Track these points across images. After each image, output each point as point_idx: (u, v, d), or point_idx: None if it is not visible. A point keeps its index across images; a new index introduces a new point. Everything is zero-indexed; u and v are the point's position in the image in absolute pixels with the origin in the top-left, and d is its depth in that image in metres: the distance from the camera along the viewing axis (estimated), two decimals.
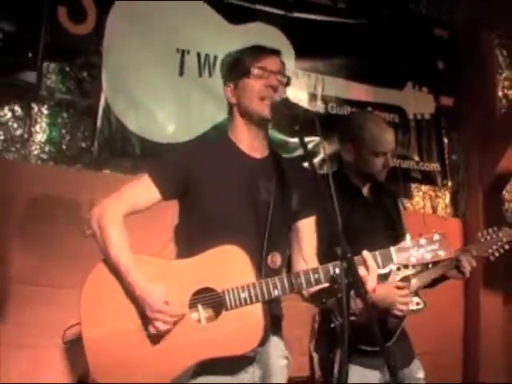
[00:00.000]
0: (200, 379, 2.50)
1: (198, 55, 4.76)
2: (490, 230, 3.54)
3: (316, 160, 5.05)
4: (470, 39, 5.85)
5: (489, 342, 5.45)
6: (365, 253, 2.41)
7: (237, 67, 2.70)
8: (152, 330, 2.45)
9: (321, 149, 5.01)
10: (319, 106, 5.18)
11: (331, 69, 5.31)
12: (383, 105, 5.47)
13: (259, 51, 2.71)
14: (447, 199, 5.81)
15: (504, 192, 5.90)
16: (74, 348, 4.12)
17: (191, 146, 2.87)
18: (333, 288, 2.33)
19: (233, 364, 2.53)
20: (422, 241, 2.51)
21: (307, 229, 2.81)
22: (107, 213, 2.58)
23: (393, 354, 3.15)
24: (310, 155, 2.59)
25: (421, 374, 3.45)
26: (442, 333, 5.18)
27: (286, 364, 2.74)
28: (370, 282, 2.40)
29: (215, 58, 4.79)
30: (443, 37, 5.75)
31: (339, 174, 3.46)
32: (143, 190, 2.62)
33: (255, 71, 2.64)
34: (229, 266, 2.52)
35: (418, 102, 5.59)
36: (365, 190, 3.51)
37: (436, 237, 2.52)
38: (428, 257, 2.52)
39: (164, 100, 4.64)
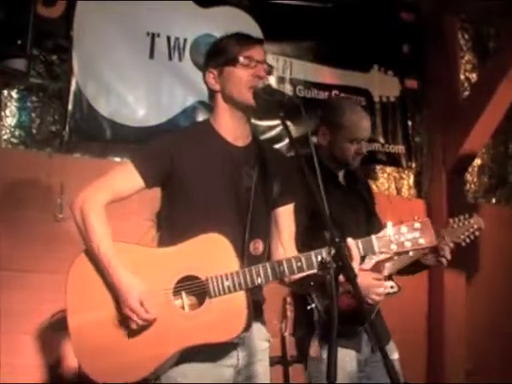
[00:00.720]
0: (183, 366, 2.54)
1: (168, 38, 4.76)
2: (462, 217, 3.53)
3: (283, 144, 5.14)
4: (435, 23, 5.90)
5: (452, 320, 5.58)
6: (349, 240, 2.42)
7: (222, 54, 2.70)
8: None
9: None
10: (287, 89, 5.20)
11: (299, 52, 5.33)
12: (349, 87, 5.51)
13: (245, 40, 2.72)
14: (411, 180, 5.89)
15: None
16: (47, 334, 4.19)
17: (174, 133, 2.90)
18: (319, 274, 2.35)
19: (217, 350, 2.57)
20: (403, 228, 2.49)
21: (286, 216, 2.85)
22: (90, 200, 2.58)
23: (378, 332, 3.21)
24: (293, 142, 2.64)
25: (395, 355, 3.49)
26: (408, 312, 5.28)
27: (267, 346, 2.80)
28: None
29: (185, 41, 4.80)
30: (409, 20, 5.79)
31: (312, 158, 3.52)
32: (126, 177, 2.63)
33: (242, 60, 2.65)
34: (213, 254, 2.55)
35: (384, 85, 5.65)
36: (340, 177, 3.55)
37: (417, 224, 2.50)
38: (408, 245, 2.50)
39: (134, 83, 4.64)
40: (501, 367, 5.71)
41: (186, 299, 2.54)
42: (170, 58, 4.76)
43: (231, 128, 2.74)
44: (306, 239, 2.98)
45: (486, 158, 6.22)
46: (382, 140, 5.63)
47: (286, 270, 2.53)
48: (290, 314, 4.03)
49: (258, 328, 2.73)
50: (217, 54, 2.74)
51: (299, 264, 2.52)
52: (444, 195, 5.72)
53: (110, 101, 4.55)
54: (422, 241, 2.50)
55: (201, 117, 4.81)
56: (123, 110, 4.59)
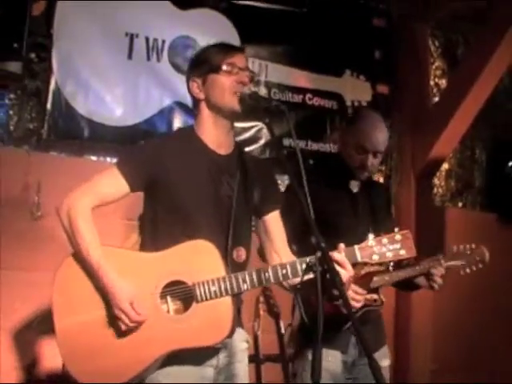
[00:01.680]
0: (167, 368, 2.59)
1: (147, 39, 4.80)
2: (468, 246, 3.46)
3: (257, 145, 5.22)
4: (406, 29, 6.01)
5: (419, 322, 5.73)
6: (340, 246, 2.54)
7: (205, 63, 2.75)
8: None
9: (262, 135, 5.21)
10: (262, 92, 5.26)
11: (274, 55, 5.40)
12: (322, 92, 5.60)
13: (227, 48, 2.78)
14: None
15: None
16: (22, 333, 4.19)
17: (158, 139, 2.99)
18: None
19: (199, 352, 2.62)
20: (384, 240, 2.59)
21: (274, 222, 2.91)
22: (76, 204, 2.61)
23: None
24: (281, 148, 2.71)
25: (386, 362, 3.48)
26: None
27: (246, 347, 2.87)
28: (345, 273, 2.52)
29: (163, 42, 4.85)
30: (381, 26, 5.90)
31: (325, 165, 3.54)
32: (112, 182, 2.67)
33: (225, 67, 2.71)
34: (199, 260, 2.60)
35: (356, 90, 5.74)
36: (352, 184, 3.49)
37: (398, 236, 2.60)
38: (390, 255, 2.59)
39: (113, 83, 4.68)
40: (465, 367, 5.84)
41: (172, 304, 2.59)
42: (148, 58, 4.81)
43: (214, 136, 2.79)
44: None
45: (453, 163, 6.36)
46: None
47: (271, 276, 2.59)
48: (262, 313, 4.10)
49: (237, 329, 2.77)
50: (200, 63, 2.79)
51: (284, 271, 2.58)
52: (412, 198, 5.83)
53: (88, 100, 4.58)
54: (402, 252, 2.60)
55: (177, 117, 4.88)
56: (101, 109, 4.63)
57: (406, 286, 3.64)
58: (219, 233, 2.70)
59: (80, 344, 2.55)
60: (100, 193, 2.67)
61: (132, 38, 4.74)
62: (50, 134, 4.48)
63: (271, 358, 4.14)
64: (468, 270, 3.47)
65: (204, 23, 4.95)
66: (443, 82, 6.36)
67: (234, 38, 4.98)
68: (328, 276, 2.33)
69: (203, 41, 4.76)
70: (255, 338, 4.04)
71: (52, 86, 4.47)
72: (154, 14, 4.82)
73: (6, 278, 4.19)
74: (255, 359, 4.01)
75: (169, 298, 2.58)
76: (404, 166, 5.99)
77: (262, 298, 4.11)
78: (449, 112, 5.57)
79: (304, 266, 2.53)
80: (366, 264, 3.04)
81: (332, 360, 3.35)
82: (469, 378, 5.65)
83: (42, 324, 4.09)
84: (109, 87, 4.66)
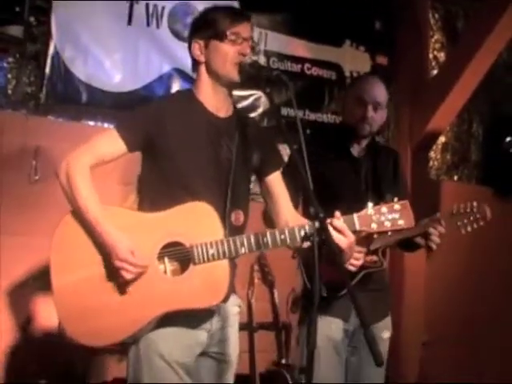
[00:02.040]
0: (162, 329, 2.60)
1: (147, 5, 4.77)
2: (468, 204, 3.38)
3: (256, 114, 5.22)
4: (406, 1, 6.00)
5: (412, 295, 5.77)
6: (336, 214, 2.56)
7: (210, 27, 2.72)
8: (119, 279, 2.54)
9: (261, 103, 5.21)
10: (261, 61, 5.24)
11: (274, 24, 5.39)
12: (321, 61, 5.60)
13: (234, 15, 2.74)
14: None
15: None
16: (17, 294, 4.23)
17: (158, 101, 2.98)
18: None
19: (194, 315, 2.64)
20: (383, 209, 2.60)
21: (276, 182, 2.92)
22: (74, 164, 2.62)
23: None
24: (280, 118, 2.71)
25: (386, 334, 3.52)
26: None
27: (238, 311, 2.88)
28: (344, 239, 2.55)
29: (163, 8, 4.83)
30: None
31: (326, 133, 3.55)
32: (109, 142, 2.67)
33: (230, 36, 2.69)
34: (198, 222, 2.60)
35: (355, 60, 5.74)
36: (354, 148, 3.55)
37: (397, 206, 2.61)
38: (388, 224, 2.60)
39: (112, 49, 4.66)
40: (457, 340, 5.90)
41: (169, 264, 2.60)
42: (148, 24, 4.79)
43: (214, 99, 2.79)
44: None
45: (450, 136, 6.37)
46: None
47: (269, 241, 2.60)
48: (257, 281, 4.14)
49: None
50: (204, 26, 2.76)
51: (282, 237, 2.60)
52: (408, 171, 5.80)
53: (87, 65, 4.57)
54: (401, 222, 2.62)
55: (176, 84, 4.88)
56: (100, 74, 4.62)
57: (406, 246, 3.66)
58: (218, 195, 2.70)
59: (76, 303, 2.55)
60: (98, 152, 2.66)
61: (132, 3, 4.71)
62: (48, 98, 4.47)
63: (264, 325, 4.20)
64: (469, 229, 3.38)
65: None
66: (442, 56, 6.35)
67: (234, 5, 4.94)
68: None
69: (203, 8, 4.85)
70: (249, 306, 4.08)
71: (51, 50, 4.45)
72: None
73: (3, 242, 4.20)
74: (248, 327, 4.05)
75: (166, 259, 2.59)
76: (401, 138, 6.00)
77: (256, 266, 4.15)
78: (447, 85, 5.57)
79: (302, 233, 2.56)
80: (364, 231, 3.06)
81: (334, 328, 3.39)
82: (461, 350, 5.72)
83: (38, 281, 4.13)
84: (108, 52, 4.65)
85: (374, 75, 3.84)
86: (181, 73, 4.85)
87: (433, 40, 6.32)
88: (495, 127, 6.56)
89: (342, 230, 2.55)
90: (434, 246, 3.43)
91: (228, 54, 2.70)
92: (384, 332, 3.51)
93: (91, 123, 4.64)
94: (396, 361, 4.04)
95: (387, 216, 2.61)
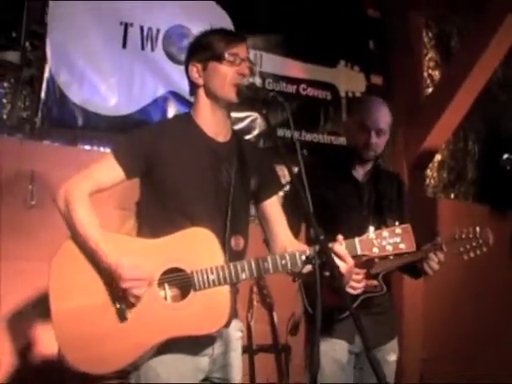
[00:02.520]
0: (162, 356, 2.58)
1: (141, 28, 4.77)
2: (471, 229, 3.35)
3: (251, 136, 5.22)
4: (399, 20, 6.03)
5: (411, 313, 5.75)
6: (339, 238, 2.56)
7: (208, 49, 2.72)
8: (125, 303, 2.52)
9: (257, 125, 5.21)
10: (257, 82, 5.25)
11: (269, 46, 5.40)
12: (317, 82, 5.61)
13: (231, 37, 2.76)
14: None
15: None
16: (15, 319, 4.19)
17: (156, 125, 3.00)
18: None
19: (195, 340, 2.61)
20: (385, 233, 2.60)
21: (273, 207, 2.91)
22: (73, 191, 2.60)
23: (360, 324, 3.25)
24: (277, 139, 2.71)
25: (392, 357, 3.52)
26: None
27: (240, 336, 2.86)
28: (344, 265, 2.54)
29: (158, 31, 4.83)
30: (375, 17, 5.91)
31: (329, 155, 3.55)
32: (108, 169, 2.66)
33: (229, 57, 2.69)
34: (199, 247, 2.59)
35: (350, 80, 5.75)
36: (358, 172, 3.55)
37: (398, 230, 2.61)
38: (390, 249, 2.60)
39: (107, 72, 4.65)
40: (457, 357, 5.88)
41: (169, 291, 2.58)
42: (143, 47, 4.79)
43: (213, 123, 2.78)
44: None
45: (446, 154, 6.38)
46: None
47: (270, 266, 2.59)
48: (256, 303, 4.11)
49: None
50: (202, 48, 2.76)
51: (283, 262, 2.59)
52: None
53: (83, 89, 4.55)
54: (402, 246, 2.61)
55: (172, 107, 4.86)
56: (95, 98, 4.60)
57: (408, 272, 3.65)
58: (217, 221, 2.69)
59: (76, 330, 2.53)
60: (96, 179, 2.65)
61: (126, 26, 4.71)
62: (43, 122, 4.45)
63: (264, 348, 4.17)
64: (472, 254, 3.33)
65: (198, 12, 4.92)
66: (437, 74, 6.38)
67: (228, 28, 4.94)
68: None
69: (198, 30, 4.84)
70: (248, 329, 4.05)
71: (46, 75, 4.43)
72: (148, 3, 4.78)
73: (1, 267, 4.16)
74: (248, 349, 4.02)
75: (166, 285, 2.57)
76: (397, 157, 5.99)
77: (255, 289, 4.12)
78: (442, 104, 5.61)
79: (304, 257, 2.55)
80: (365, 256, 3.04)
81: (339, 350, 3.39)
82: (460, 367, 5.69)
83: (37, 308, 4.08)
84: (103, 76, 4.63)
85: (377, 98, 3.78)
86: (176, 96, 4.84)
87: (427, 58, 6.34)
88: (491, 144, 6.58)
89: (342, 256, 2.54)
90: (431, 273, 3.39)
91: (227, 74, 2.69)
92: (390, 355, 3.51)
93: (87, 147, 4.62)
94: (397, 377, 4.06)
95: (388, 240, 2.61)
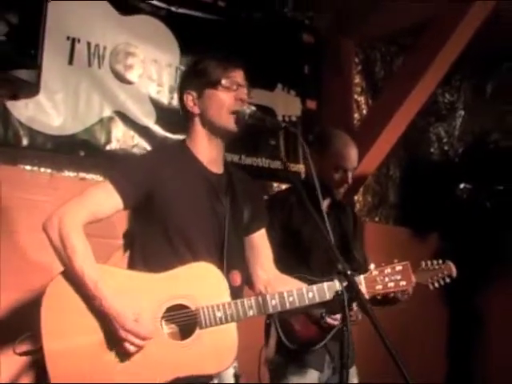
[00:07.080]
0: None
1: (88, 44, 4.56)
2: (435, 262, 3.51)
3: None
4: (331, 45, 6.09)
5: None
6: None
7: (203, 76, 2.68)
8: (123, 349, 2.40)
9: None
10: None
11: None
12: (255, 105, 5.52)
13: (227, 63, 2.73)
14: None
15: None
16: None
17: (152, 154, 2.93)
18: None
19: (196, 379, 2.54)
20: (387, 270, 2.68)
21: (261, 240, 2.90)
22: (68, 221, 2.46)
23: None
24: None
25: (355, 380, 3.61)
26: None
27: (234, 372, 2.79)
28: None
29: (105, 48, 4.63)
30: (310, 42, 5.93)
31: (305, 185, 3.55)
32: (105, 197, 2.54)
33: (225, 83, 2.63)
34: (203, 283, 2.52)
35: (287, 104, 5.73)
36: (324, 205, 3.57)
37: (398, 267, 2.71)
38: (391, 285, 2.68)
39: (53, 89, 4.40)
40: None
41: (171, 328, 2.50)
42: (90, 64, 4.57)
43: (208, 153, 2.72)
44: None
45: (371, 179, 6.50)
46: (284, 159, 5.69)
47: (278, 304, 2.57)
48: None
49: None
50: (197, 76, 2.71)
51: (291, 299, 2.58)
52: None
53: (28, 107, 4.30)
54: (403, 283, 2.72)
55: (117, 127, 4.67)
56: (41, 116, 4.35)
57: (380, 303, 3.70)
58: (214, 254, 2.63)
59: (73, 370, 2.39)
60: (93, 209, 2.52)
61: (74, 42, 4.49)
62: None
63: None
64: (437, 285, 3.49)
65: (145, 31, 4.79)
66: (362, 99, 6.47)
67: (174, 47, 4.87)
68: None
69: (145, 49, 4.73)
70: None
71: None
72: (96, 19, 4.59)
73: None
74: None
75: (169, 323, 2.49)
76: None
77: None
78: (375, 131, 5.71)
79: (311, 295, 2.56)
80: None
81: (309, 379, 3.45)
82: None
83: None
84: (49, 94, 4.38)
85: (343, 133, 3.87)
86: (122, 116, 4.67)
87: (353, 83, 6.42)
88: (410, 169, 6.77)
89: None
90: (403, 302, 3.46)
91: (224, 101, 2.65)
92: (354, 379, 3.61)
93: (28, 168, 4.35)
94: None
95: (390, 277, 2.69)
